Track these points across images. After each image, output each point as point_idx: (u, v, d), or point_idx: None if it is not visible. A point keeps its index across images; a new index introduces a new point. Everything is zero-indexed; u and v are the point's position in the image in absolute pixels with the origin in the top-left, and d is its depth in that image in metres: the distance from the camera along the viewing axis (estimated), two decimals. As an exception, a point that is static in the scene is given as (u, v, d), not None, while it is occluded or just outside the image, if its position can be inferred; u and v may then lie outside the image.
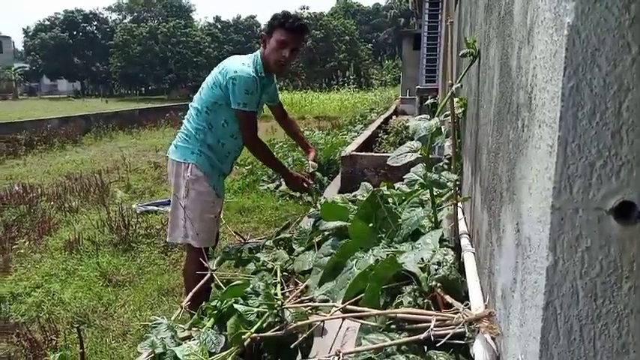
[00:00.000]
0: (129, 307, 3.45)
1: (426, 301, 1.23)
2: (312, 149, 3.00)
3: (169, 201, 2.79)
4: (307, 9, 43.06)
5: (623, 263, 0.60)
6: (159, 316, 1.52)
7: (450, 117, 1.70)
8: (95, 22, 47.09)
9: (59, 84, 48.42)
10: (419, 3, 10.51)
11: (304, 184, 2.78)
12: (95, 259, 4.25)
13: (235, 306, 1.55)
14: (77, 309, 3.42)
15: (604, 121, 0.57)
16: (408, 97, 14.62)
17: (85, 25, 45.65)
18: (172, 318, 1.59)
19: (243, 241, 2.65)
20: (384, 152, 6.39)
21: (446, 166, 2.11)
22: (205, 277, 1.90)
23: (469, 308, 1.09)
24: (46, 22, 44.06)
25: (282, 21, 2.51)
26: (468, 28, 2.14)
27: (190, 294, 1.85)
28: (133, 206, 5.85)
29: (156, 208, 5.80)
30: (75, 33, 44.45)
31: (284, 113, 3.02)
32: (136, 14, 47.69)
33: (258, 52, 2.63)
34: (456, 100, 1.76)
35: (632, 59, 0.55)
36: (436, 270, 1.24)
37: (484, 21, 1.43)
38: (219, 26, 50.47)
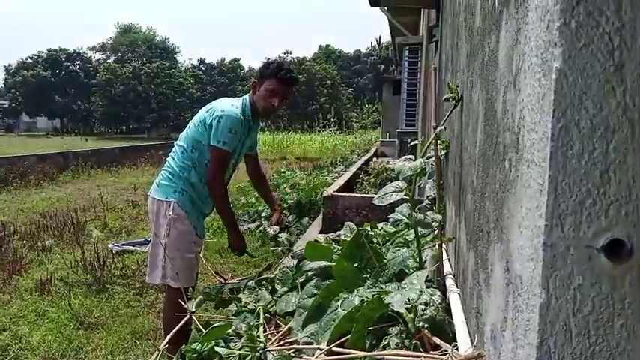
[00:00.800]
0: (100, 351, 3.30)
1: (413, 342, 1.21)
2: (277, 211, 3.01)
3: (147, 240, 2.75)
4: (291, 53, 44.13)
5: (615, 300, 0.60)
6: (135, 360, 1.46)
7: (432, 159, 1.73)
8: (78, 62, 47.31)
9: (38, 121, 48.04)
10: (399, 51, 10.88)
11: (245, 248, 2.80)
12: (67, 300, 4.09)
13: (216, 349, 1.50)
14: (46, 353, 3.26)
15: (592, 161, 0.59)
16: (388, 139, 14.88)
17: (68, 64, 45.81)
18: (150, 361, 1.53)
19: (223, 281, 2.59)
20: (365, 193, 6.43)
21: (428, 207, 2.13)
22: (184, 319, 1.85)
23: (457, 349, 1.08)
24: (29, 60, 44.10)
25: (275, 71, 2.56)
26: (449, 74, 2.21)
27: (169, 336, 1.79)
28: (109, 245, 5.71)
29: (132, 247, 5.67)
30: (57, 71, 44.52)
31: (257, 166, 3.02)
32: (120, 54, 48.13)
33: (247, 96, 2.67)
34: (439, 142, 1.80)
35: (617, 102, 0.58)
36: (423, 310, 1.23)
37: (467, 67, 1.49)
38: (203, 68, 51.20)
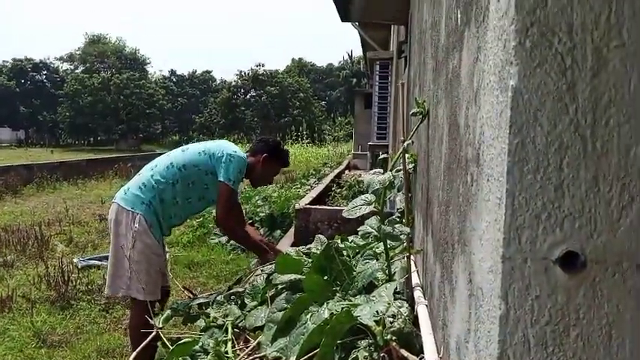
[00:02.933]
0: (64, 370, 3.19)
1: (381, 355, 1.21)
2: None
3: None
4: (263, 66, 44.06)
5: (570, 311, 0.62)
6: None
7: (401, 172, 1.76)
8: (45, 72, 46.15)
9: (1, 132, 46.50)
10: (370, 65, 11.04)
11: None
12: (29, 317, 3.94)
13: (183, 365, 1.47)
14: (5, 373, 3.13)
15: (547, 176, 0.61)
16: (360, 152, 15.01)
17: (34, 73, 44.65)
18: (114, 380, 1.48)
19: (192, 296, 2.55)
20: (337, 206, 6.45)
21: (398, 220, 2.15)
22: (151, 336, 1.81)
23: (424, 362, 1.09)
24: (-8, 70, 42.82)
25: (283, 155, 2.91)
26: (417, 90, 2.26)
27: (134, 354, 1.74)
28: (74, 260, 5.54)
29: (99, 262, 5.52)
30: (22, 81, 43.32)
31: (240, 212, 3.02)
32: (88, 65, 47.20)
33: (245, 155, 2.73)
34: (407, 155, 1.83)
35: (569, 119, 0.60)
36: (391, 323, 1.24)
37: (432, 82, 1.52)
38: (174, 79, 50.68)
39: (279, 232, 6.37)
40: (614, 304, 0.62)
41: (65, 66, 49.52)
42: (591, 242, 0.61)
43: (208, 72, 53.20)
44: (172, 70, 52.18)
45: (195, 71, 52.58)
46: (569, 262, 0.62)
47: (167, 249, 2.82)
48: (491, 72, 0.69)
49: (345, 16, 5.54)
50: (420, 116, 1.61)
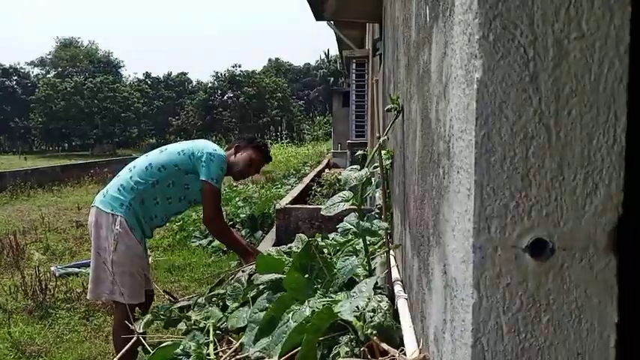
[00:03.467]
0: (44, 381, 3.13)
1: (362, 349, 1.22)
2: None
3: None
4: (240, 67, 43.79)
5: (541, 297, 0.64)
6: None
7: (378, 168, 1.77)
8: (15, 77, 45.01)
9: (-28, 140, 45.23)
10: (347, 64, 11.07)
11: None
12: (6, 328, 3.85)
13: (165, 369, 1.46)
14: (-18, 387, 3.05)
15: (514, 166, 0.63)
16: (339, 150, 15.02)
17: (4, 79, 43.51)
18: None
19: (173, 300, 2.52)
20: (318, 204, 6.45)
21: (377, 216, 2.17)
22: (132, 341, 1.78)
23: (404, 354, 1.10)
24: (-40, 76, 41.60)
25: (263, 149, 2.89)
26: (391, 86, 2.27)
27: (116, 359, 1.72)
28: (52, 269, 5.44)
29: (77, 269, 5.43)
30: (-8, 87, 42.21)
31: None
32: (60, 69, 46.26)
33: (224, 153, 2.71)
34: (383, 152, 1.85)
35: (534, 110, 0.62)
36: (371, 317, 1.25)
37: (405, 79, 1.54)
38: (149, 82, 49.95)
39: (260, 232, 6.35)
40: (582, 289, 0.64)
41: (36, 71, 48.52)
42: (558, 229, 0.63)
43: (184, 74, 52.58)
44: (147, 72, 51.40)
45: (171, 73, 51.93)
46: (538, 249, 0.63)
47: (149, 252, 2.78)
48: (458, 66, 0.71)
49: (319, 15, 5.55)
50: (395, 112, 1.63)
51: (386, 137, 1.74)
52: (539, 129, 0.62)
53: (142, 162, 2.64)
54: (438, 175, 0.87)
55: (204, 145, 2.65)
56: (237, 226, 6.56)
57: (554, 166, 0.62)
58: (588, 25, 0.61)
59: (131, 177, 2.57)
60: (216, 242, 6.17)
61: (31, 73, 47.65)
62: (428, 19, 1.01)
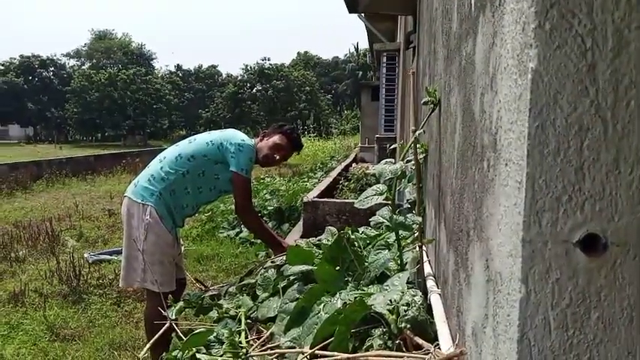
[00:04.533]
0: (77, 363, 3.23)
1: (396, 342, 1.22)
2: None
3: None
4: (269, 60, 44.00)
5: (591, 294, 0.62)
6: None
7: (412, 162, 1.75)
8: (52, 68, 46.36)
9: (10, 129, 46.88)
10: (377, 57, 10.99)
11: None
12: (42, 312, 3.99)
13: (198, 355, 1.49)
14: (20, 366, 3.17)
15: (567, 159, 0.61)
16: (367, 145, 14.94)
17: (42, 70, 44.86)
18: (130, 370, 1.50)
19: (204, 288, 2.57)
20: (345, 198, 6.44)
21: (409, 210, 2.15)
22: (164, 327, 1.82)
23: (439, 349, 1.09)
24: (0, 67, 43.06)
25: (289, 132, 2.82)
26: (427, 79, 2.24)
27: (148, 345, 1.76)
28: (85, 255, 5.60)
29: (109, 257, 5.57)
30: (30, 78, 43.55)
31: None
32: (95, 61, 47.40)
33: (252, 141, 2.73)
34: (418, 145, 1.82)
35: (590, 102, 0.60)
36: (405, 311, 1.24)
37: (444, 71, 1.51)
38: (180, 74, 50.72)
39: (287, 225, 6.39)
40: (635, 286, 0.62)
41: (72, 62, 49.88)
42: (612, 225, 0.61)
43: (214, 66, 53.23)
44: (178, 64, 52.27)
45: (201, 66, 52.65)
46: (590, 244, 0.61)
47: (181, 242, 2.82)
48: (509, 56, 0.69)
49: (352, 7, 5.52)
50: (432, 105, 1.61)
51: (422, 131, 1.72)
52: (595, 121, 0.60)
53: (171, 152, 2.68)
54: (482, 169, 0.86)
55: (233, 135, 2.67)
56: (264, 218, 6.61)
57: (610, 159, 0.60)
58: (651, 14, 0.58)
59: (161, 167, 2.62)
60: (244, 233, 6.24)
61: (67, 64, 48.99)
62: (473, 9, 0.99)
